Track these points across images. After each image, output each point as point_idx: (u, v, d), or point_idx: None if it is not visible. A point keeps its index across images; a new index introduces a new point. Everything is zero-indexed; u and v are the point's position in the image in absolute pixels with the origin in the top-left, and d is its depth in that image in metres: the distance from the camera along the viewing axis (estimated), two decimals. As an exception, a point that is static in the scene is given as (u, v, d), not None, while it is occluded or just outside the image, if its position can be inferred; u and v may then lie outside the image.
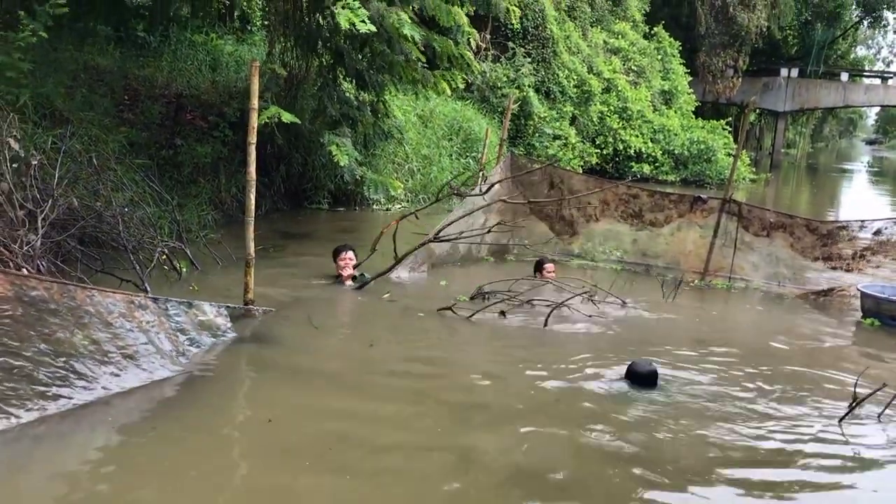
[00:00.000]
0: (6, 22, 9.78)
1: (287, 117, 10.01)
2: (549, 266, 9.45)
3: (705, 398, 5.72)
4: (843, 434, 5.17)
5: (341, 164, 11.35)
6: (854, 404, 5.48)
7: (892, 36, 51.93)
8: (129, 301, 5.29)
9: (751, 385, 6.04)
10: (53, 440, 4.24)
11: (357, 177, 12.47)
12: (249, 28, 16.16)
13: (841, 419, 5.38)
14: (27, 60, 8.67)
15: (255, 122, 6.76)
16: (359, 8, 9.63)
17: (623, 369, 6.00)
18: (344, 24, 9.34)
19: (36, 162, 7.00)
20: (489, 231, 9.19)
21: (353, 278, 8.36)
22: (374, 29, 9.60)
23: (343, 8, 9.48)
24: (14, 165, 6.87)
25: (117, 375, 4.88)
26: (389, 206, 14.47)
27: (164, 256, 7.89)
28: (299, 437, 4.64)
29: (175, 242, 8.23)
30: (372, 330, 6.99)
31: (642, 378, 5.80)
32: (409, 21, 10.51)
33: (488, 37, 21.45)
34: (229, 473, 4.22)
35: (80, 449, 4.26)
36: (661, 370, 5.96)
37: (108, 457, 4.24)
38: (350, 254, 8.48)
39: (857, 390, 5.55)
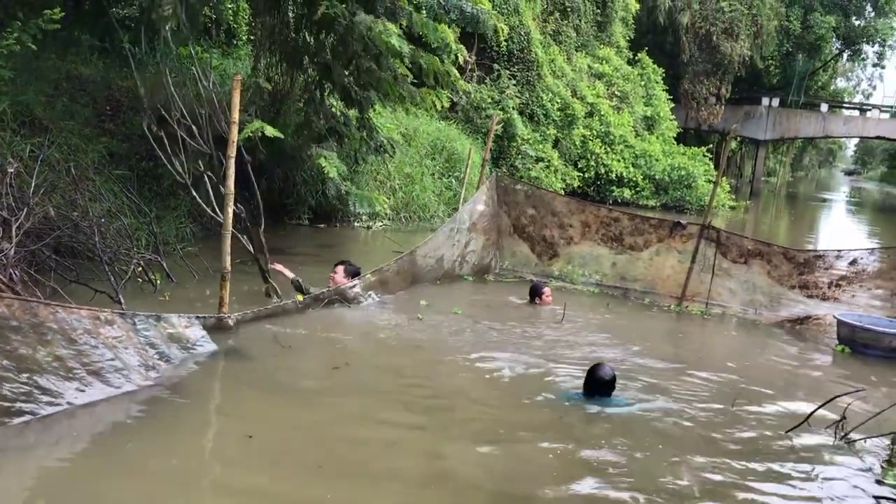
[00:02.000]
0: (-10, 29, 9.72)
1: (271, 131, 9.98)
2: (546, 291, 9.43)
3: (665, 416, 5.77)
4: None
5: (331, 175, 11.33)
6: (806, 418, 5.65)
7: (871, 69, 52.63)
8: (94, 317, 5.21)
9: (715, 406, 6.08)
10: (15, 452, 4.16)
11: (342, 192, 12.43)
12: (235, 42, 16.15)
13: (789, 430, 5.58)
14: (8, 68, 8.60)
15: (235, 135, 6.74)
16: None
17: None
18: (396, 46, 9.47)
19: (12, 170, 6.92)
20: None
21: (299, 288, 8.22)
22: (402, 45, 9.78)
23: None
24: (-10, 173, 6.80)
25: (82, 391, 4.81)
26: (371, 224, 14.44)
27: (140, 268, 7.80)
28: (282, 453, 4.60)
29: (151, 255, 8.12)
30: (352, 343, 6.95)
31: (601, 383, 5.85)
32: (397, 33, 10.55)
33: (474, 58, 21.55)
34: (204, 482, 4.19)
35: (42, 461, 4.19)
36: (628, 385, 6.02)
37: (72, 468, 4.17)
38: (339, 268, 8.53)
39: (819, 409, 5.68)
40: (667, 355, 7.69)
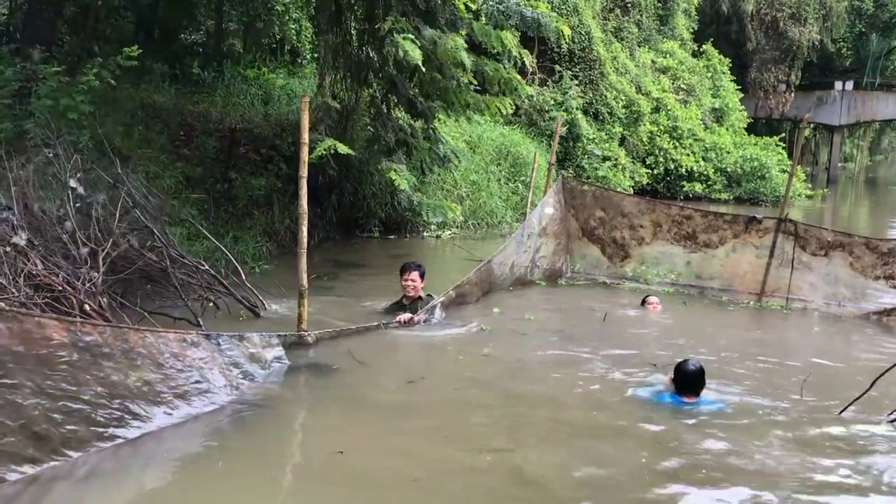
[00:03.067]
0: (70, 64, 10.17)
1: (342, 148, 10.16)
2: (652, 299, 9.33)
3: (752, 414, 5.66)
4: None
5: (402, 187, 11.47)
6: (853, 400, 5.61)
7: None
8: (181, 339, 5.38)
9: (801, 406, 5.92)
10: (109, 475, 4.33)
11: (414, 202, 12.55)
12: (300, 61, 16.50)
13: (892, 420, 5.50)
14: (87, 102, 8.97)
15: (305, 155, 6.87)
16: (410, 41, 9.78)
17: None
18: (403, 54, 9.47)
19: (92, 202, 7.21)
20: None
21: (419, 299, 8.04)
22: (418, 59, 9.72)
23: (403, 39, 9.63)
24: (77, 205, 7.09)
25: (170, 414, 4.97)
26: (440, 233, 14.53)
27: (213, 305, 7.94)
28: (374, 470, 4.65)
29: (222, 290, 8.15)
30: (425, 358, 7.01)
31: (690, 380, 5.73)
32: (464, 46, 10.62)
33: (535, 60, 21.48)
34: (298, 499, 4.30)
35: (136, 482, 4.35)
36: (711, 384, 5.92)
37: (165, 490, 4.32)
38: (415, 274, 8.04)
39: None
40: (748, 352, 7.53)
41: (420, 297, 8.08)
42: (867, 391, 5.61)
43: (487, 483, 4.55)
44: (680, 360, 5.99)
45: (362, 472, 4.60)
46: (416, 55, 9.47)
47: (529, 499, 4.42)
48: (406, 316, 7.70)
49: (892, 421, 5.55)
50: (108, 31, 12.97)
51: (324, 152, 10.04)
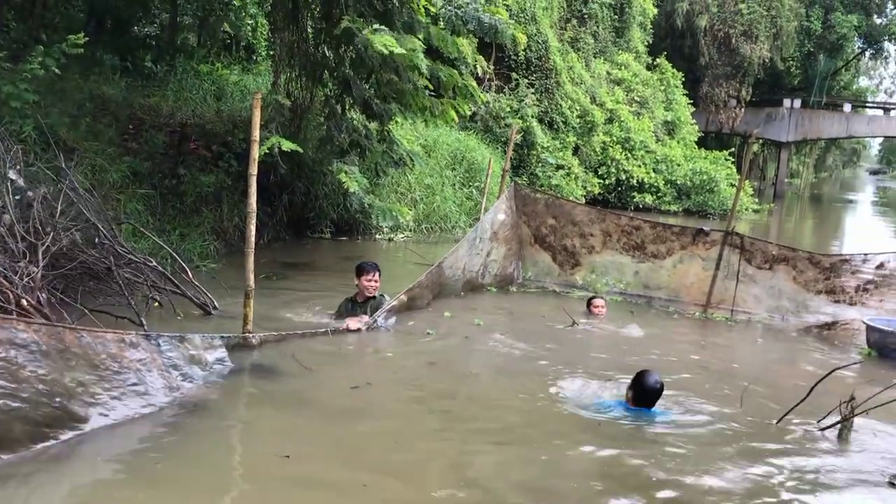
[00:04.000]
0: (14, 52, 9.88)
1: (287, 146, 9.99)
2: (596, 302, 9.40)
3: (702, 425, 5.71)
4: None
5: (351, 190, 11.36)
6: (791, 408, 5.75)
7: (893, 67, 52.06)
8: (119, 340, 5.23)
9: (748, 416, 6.00)
10: (43, 475, 4.19)
11: (365, 205, 12.46)
12: (255, 58, 16.31)
13: (823, 428, 5.65)
14: (32, 91, 8.72)
15: (255, 153, 6.76)
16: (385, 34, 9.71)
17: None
18: (382, 50, 9.40)
19: (32, 194, 7.00)
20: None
21: (373, 298, 7.95)
22: (403, 52, 9.63)
23: (373, 34, 9.55)
24: (17, 197, 6.88)
25: (105, 415, 4.81)
26: (393, 236, 14.47)
27: (157, 304, 7.79)
28: (321, 474, 4.58)
29: (166, 286, 7.97)
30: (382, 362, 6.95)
31: (650, 389, 5.73)
32: (421, 49, 10.59)
33: (492, 68, 21.57)
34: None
35: (70, 486, 4.21)
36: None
37: (100, 494, 4.19)
38: (377, 274, 7.93)
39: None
40: (693, 363, 7.63)
41: (374, 297, 8.01)
42: (802, 400, 5.73)
43: (435, 487, 4.53)
44: (640, 370, 5.94)
45: (309, 477, 4.52)
46: (394, 46, 9.38)
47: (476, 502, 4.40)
48: (355, 323, 7.62)
49: (822, 428, 5.67)
50: (56, 19, 12.63)
51: (268, 150, 9.86)
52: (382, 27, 9.76)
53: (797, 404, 5.76)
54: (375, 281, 7.96)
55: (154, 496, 4.17)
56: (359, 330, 7.57)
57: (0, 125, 7.84)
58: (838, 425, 5.59)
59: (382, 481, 4.54)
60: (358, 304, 8.01)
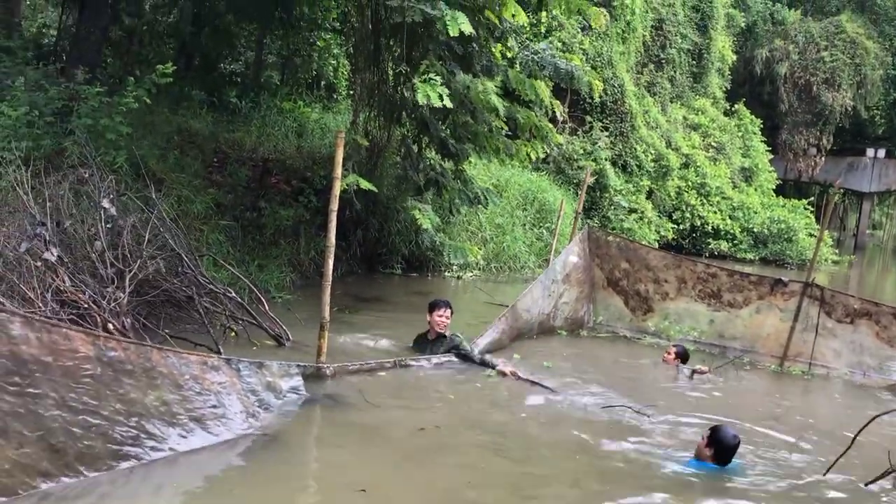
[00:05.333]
0: (111, 86, 10.39)
1: (365, 185, 10.21)
2: (669, 350, 9.10)
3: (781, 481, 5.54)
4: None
5: (424, 227, 11.47)
6: (837, 458, 5.61)
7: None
8: (202, 362, 5.40)
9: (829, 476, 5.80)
10: (119, 499, 4.31)
11: (436, 242, 12.57)
12: (335, 97, 16.75)
13: (867, 483, 5.52)
14: (127, 123, 9.14)
15: (337, 189, 6.94)
16: (441, 84, 9.87)
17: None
18: (421, 100, 9.58)
19: (123, 223, 7.31)
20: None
21: (443, 337, 8.06)
22: (449, 105, 9.79)
23: (423, 83, 9.73)
24: (108, 225, 7.19)
25: (184, 437, 4.96)
26: (462, 274, 14.54)
27: (234, 333, 8.00)
28: None
29: (243, 316, 8.15)
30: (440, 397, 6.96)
31: (728, 447, 5.57)
32: (495, 91, 10.72)
33: (566, 110, 21.65)
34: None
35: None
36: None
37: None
38: (448, 311, 8.05)
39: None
40: (769, 417, 7.42)
41: (444, 336, 8.09)
42: (845, 452, 5.62)
43: None
44: (714, 426, 5.81)
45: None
46: (435, 100, 9.55)
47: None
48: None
49: (867, 484, 5.55)
50: (150, 55, 13.26)
51: (346, 187, 10.09)
52: (434, 77, 9.91)
53: (840, 456, 5.65)
54: (447, 318, 8.06)
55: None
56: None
57: (96, 156, 8.21)
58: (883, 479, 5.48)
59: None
60: (428, 340, 8.09)
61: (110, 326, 6.38)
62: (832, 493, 5.51)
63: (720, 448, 5.56)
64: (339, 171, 6.91)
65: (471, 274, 14.80)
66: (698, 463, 5.67)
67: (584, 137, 22.01)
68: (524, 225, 17.34)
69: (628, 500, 5.11)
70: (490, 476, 5.31)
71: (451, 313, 8.17)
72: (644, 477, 5.53)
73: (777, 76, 34.01)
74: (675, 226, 24.48)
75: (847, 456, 5.73)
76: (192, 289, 7.66)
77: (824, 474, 5.69)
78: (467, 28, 9.60)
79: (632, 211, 21.92)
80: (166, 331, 7.30)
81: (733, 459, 5.64)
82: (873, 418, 5.83)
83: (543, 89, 11.40)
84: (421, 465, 5.37)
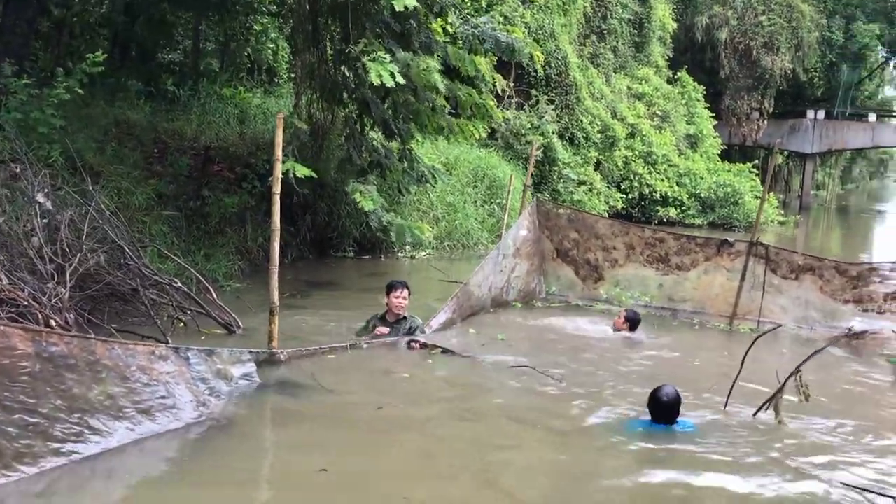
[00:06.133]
0: (41, 79, 10.09)
1: (301, 171, 9.88)
2: (396, 293, 8.20)
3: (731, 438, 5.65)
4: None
5: (366, 209, 11.28)
6: (765, 402, 5.94)
7: (919, 75, 51.42)
8: (149, 352, 5.31)
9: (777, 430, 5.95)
10: (66, 493, 4.22)
11: (384, 223, 12.46)
12: (277, 81, 16.50)
13: (755, 414, 6.00)
14: (59, 116, 8.89)
15: (279, 172, 6.86)
16: (390, 62, 9.73)
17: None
18: (375, 80, 9.44)
19: (60, 217, 7.13)
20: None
21: (403, 318, 7.99)
22: (402, 82, 9.67)
23: (373, 61, 9.59)
24: (44, 220, 7.01)
25: (132, 430, 4.86)
26: (415, 254, 14.51)
27: (182, 324, 7.86)
28: (361, 488, 4.61)
29: (191, 306, 8.02)
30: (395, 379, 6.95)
31: (663, 405, 5.65)
32: (437, 69, 10.62)
33: (511, 84, 21.64)
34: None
35: (95, 502, 4.23)
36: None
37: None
38: (406, 291, 7.95)
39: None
40: (719, 374, 7.54)
41: (404, 317, 8.03)
42: (775, 395, 5.86)
43: (470, 496, 4.65)
44: (655, 387, 5.86)
45: (348, 489, 4.55)
46: (387, 78, 9.43)
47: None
48: (383, 329, 7.77)
49: (754, 414, 6.01)
50: (82, 47, 12.90)
51: (286, 171, 9.87)
52: (384, 56, 9.74)
53: (767, 401, 5.91)
54: (404, 298, 7.97)
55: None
56: (388, 333, 7.76)
57: (28, 150, 7.98)
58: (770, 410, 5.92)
59: (420, 492, 4.59)
60: (387, 322, 8.03)
61: (52, 323, 6.24)
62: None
63: (655, 408, 5.65)
64: (279, 152, 6.83)
65: (424, 253, 14.77)
66: (644, 423, 5.76)
67: (530, 112, 22.02)
68: (475, 202, 17.33)
69: (583, 461, 5.19)
70: (452, 451, 5.33)
71: (409, 294, 8.08)
72: (598, 438, 5.60)
73: (717, 42, 34.34)
74: (624, 195, 24.68)
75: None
76: (136, 281, 7.52)
77: (753, 415, 5.99)
78: (411, 2, 9.48)
79: (581, 183, 22.03)
80: (112, 325, 7.18)
81: (681, 418, 5.71)
82: (802, 362, 6.00)
83: (484, 64, 11.37)
84: (381, 444, 5.36)
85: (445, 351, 7.63)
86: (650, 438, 5.54)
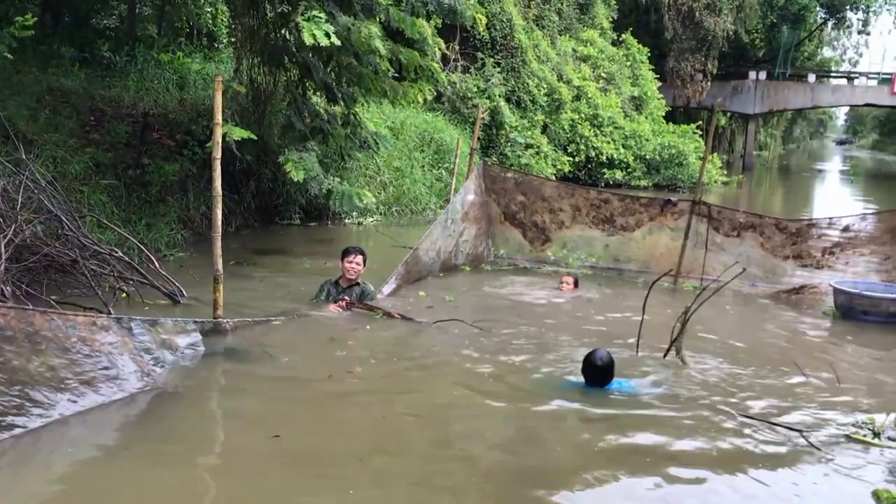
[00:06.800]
0: (-33, 45, 9.69)
1: (239, 133, 9.61)
2: (565, 278, 9.29)
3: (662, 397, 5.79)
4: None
5: (295, 179, 10.96)
6: (667, 349, 6.50)
7: (856, 37, 52.49)
8: (90, 323, 5.19)
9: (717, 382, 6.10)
10: (8, 467, 4.14)
11: (325, 190, 12.28)
12: (216, 45, 16.11)
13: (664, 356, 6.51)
14: (-13, 83, 8.57)
15: (219, 136, 6.70)
16: (325, 21, 9.53)
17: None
18: (308, 40, 9.26)
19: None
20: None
21: (356, 284, 7.99)
22: (337, 43, 9.49)
23: (307, 21, 9.39)
24: (-25, 190, 6.78)
25: (74, 402, 4.76)
26: (362, 220, 14.43)
27: (125, 294, 7.72)
28: (316, 452, 4.62)
29: (133, 276, 7.88)
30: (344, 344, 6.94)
31: (596, 370, 5.71)
32: (378, 35, 10.44)
33: (457, 48, 21.50)
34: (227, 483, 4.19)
35: (38, 475, 4.15)
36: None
37: (73, 482, 4.15)
38: (360, 257, 7.97)
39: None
40: (661, 332, 7.68)
41: (357, 283, 8.02)
42: (676, 338, 6.44)
43: (424, 455, 4.72)
44: (588, 350, 5.94)
45: (301, 455, 4.54)
46: (321, 37, 9.23)
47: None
48: (335, 308, 7.71)
49: (664, 356, 6.52)
50: (10, 12, 12.39)
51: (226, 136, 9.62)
52: (318, 15, 9.53)
53: (671, 344, 6.46)
54: (357, 264, 7.97)
55: (133, 484, 4.12)
56: (339, 312, 7.66)
57: (-45, 119, 7.69)
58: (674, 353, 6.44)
59: (374, 455, 4.61)
60: (342, 288, 8.00)
61: (-13, 296, 6.06)
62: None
63: (589, 371, 5.72)
64: (219, 116, 6.67)
65: (372, 219, 14.70)
66: (578, 384, 5.83)
67: (476, 75, 21.93)
68: (423, 166, 17.27)
69: (531, 424, 5.26)
70: (402, 417, 5.34)
71: (364, 260, 8.08)
72: (539, 400, 5.67)
73: (661, 4, 34.55)
74: (571, 158, 24.85)
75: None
76: (75, 252, 7.34)
77: (664, 356, 6.54)
78: (353, -39, 9.31)
79: (528, 146, 22.09)
80: (52, 297, 7.00)
81: (616, 379, 5.80)
82: (689, 308, 6.49)
83: (426, 28, 11.22)
84: (330, 409, 5.35)
85: (388, 314, 7.62)
86: (587, 399, 5.64)
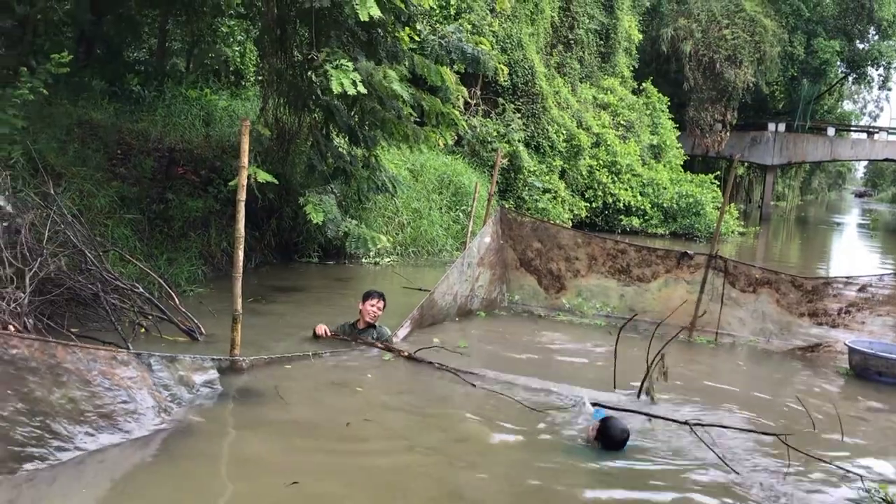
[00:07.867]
0: (3, 78, 9.94)
1: (263, 176, 9.79)
2: (372, 301, 8.30)
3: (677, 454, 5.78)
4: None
5: (314, 221, 11.09)
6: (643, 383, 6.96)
7: (876, 91, 52.63)
8: (111, 357, 5.29)
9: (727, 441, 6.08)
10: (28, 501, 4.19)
11: (341, 232, 12.40)
12: (244, 83, 16.41)
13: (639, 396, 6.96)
14: (21, 117, 8.77)
15: (244, 179, 6.85)
16: (353, 70, 9.74)
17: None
18: (336, 88, 9.45)
19: (21, 220, 7.04)
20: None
21: (372, 327, 8.13)
22: (364, 91, 9.68)
23: (335, 69, 9.59)
24: (4, 223, 6.92)
25: (92, 435, 4.84)
26: (379, 260, 14.53)
27: (143, 329, 7.82)
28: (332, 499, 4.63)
29: (153, 311, 7.99)
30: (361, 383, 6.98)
31: (614, 442, 5.71)
32: (398, 79, 10.63)
33: (478, 92, 21.76)
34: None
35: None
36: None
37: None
38: (381, 302, 8.15)
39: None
40: (677, 387, 7.68)
41: (373, 326, 8.16)
42: (646, 376, 6.91)
43: None
44: (606, 418, 5.90)
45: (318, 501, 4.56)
46: (348, 86, 9.44)
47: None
48: (321, 329, 8.10)
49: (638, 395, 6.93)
50: (46, 45, 12.71)
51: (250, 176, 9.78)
52: (346, 64, 9.74)
53: (643, 380, 6.94)
54: (378, 308, 8.15)
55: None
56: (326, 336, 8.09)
57: (-11, 151, 7.88)
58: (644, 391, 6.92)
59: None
60: (359, 329, 8.13)
61: (10, 328, 6.16)
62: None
63: (608, 442, 5.72)
64: (245, 159, 6.82)
65: (388, 259, 14.80)
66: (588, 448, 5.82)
67: (497, 119, 22.16)
68: (441, 208, 17.39)
69: (544, 476, 5.26)
70: (417, 467, 5.35)
71: (384, 305, 8.24)
72: (553, 454, 5.68)
73: (682, 54, 34.92)
74: (588, 204, 24.96)
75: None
76: (97, 285, 7.46)
77: (638, 396, 6.99)
78: (376, 12, 9.52)
79: (546, 191, 22.22)
80: (73, 330, 7.11)
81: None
82: (662, 349, 6.90)
83: (449, 75, 11.43)
84: (347, 458, 5.34)
85: (410, 357, 7.69)
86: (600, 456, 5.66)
